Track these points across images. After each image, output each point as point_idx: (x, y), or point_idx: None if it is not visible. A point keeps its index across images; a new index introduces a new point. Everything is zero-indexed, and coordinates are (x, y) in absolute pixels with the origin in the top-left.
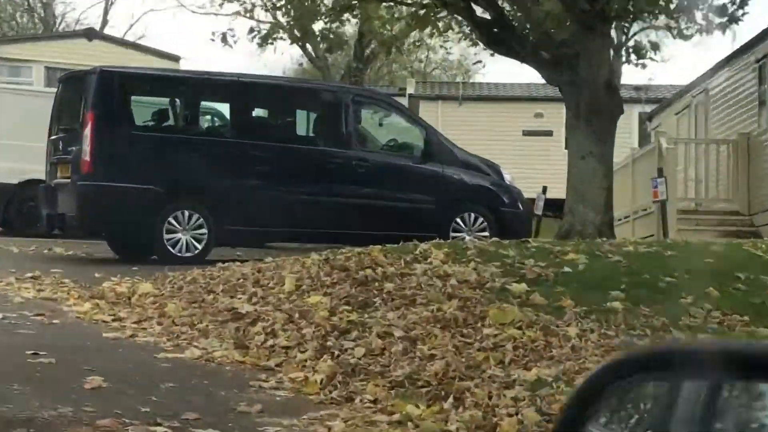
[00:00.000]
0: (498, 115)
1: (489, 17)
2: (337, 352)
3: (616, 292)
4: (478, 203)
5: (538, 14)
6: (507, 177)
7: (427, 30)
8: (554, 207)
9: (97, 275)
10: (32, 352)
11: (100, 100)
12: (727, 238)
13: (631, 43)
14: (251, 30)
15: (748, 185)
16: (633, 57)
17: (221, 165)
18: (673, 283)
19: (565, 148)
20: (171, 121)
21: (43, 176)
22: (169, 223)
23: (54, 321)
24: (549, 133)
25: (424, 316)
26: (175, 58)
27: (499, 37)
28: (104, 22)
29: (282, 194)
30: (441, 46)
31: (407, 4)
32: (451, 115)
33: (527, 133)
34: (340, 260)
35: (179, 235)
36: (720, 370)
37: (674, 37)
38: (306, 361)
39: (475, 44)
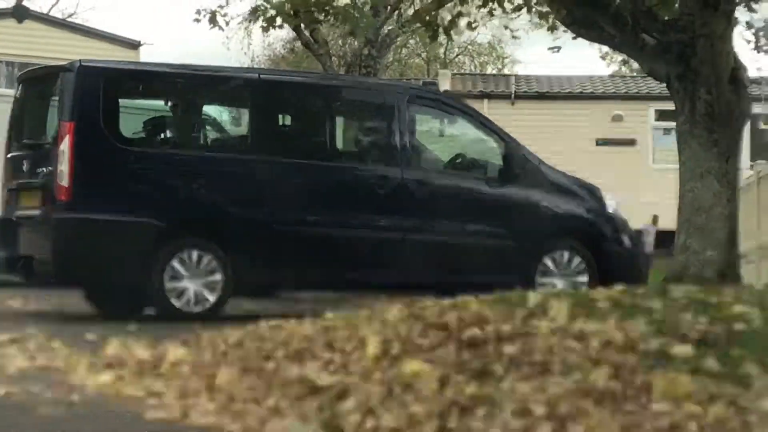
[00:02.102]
0: (563, 118)
1: None
2: None
3: None
4: (573, 238)
5: None
6: (610, 203)
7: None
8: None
9: (89, 337)
10: None
11: (80, 105)
12: None
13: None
14: (255, 10)
15: None
16: (764, 42)
17: (240, 190)
18: None
19: (653, 163)
20: (173, 133)
21: None
22: (173, 267)
23: (72, 397)
24: (631, 143)
25: (567, 389)
26: (134, 45)
27: (587, 16)
28: None
29: (318, 228)
30: (470, 24)
31: None
32: (500, 119)
33: (602, 143)
34: (431, 316)
35: (185, 283)
36: None
37: None
38: None
39: (552, 28)
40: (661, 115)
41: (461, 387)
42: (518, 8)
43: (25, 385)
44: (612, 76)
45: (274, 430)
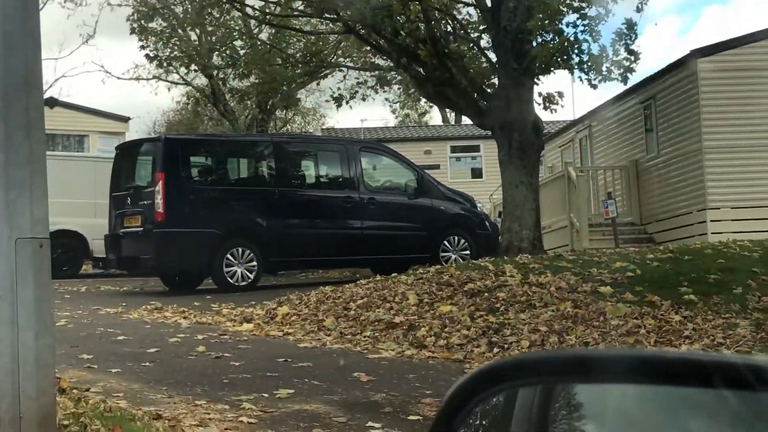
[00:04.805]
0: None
1: (425, 75)
2: (506, 345)
3: (683, 288)
4: (460, 228)
5: (473, 74)
6: (479, 205)
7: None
8: None
9: (196, 304)
10: (283, 359)
11: (166, 161)
12: (627, 244)
13: (543, 91)
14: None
15: (639, 201)
16: (547, 103)
17: (265, 210)
18: (717, 279)
19: (450, 179)
20: (222, 176)
21: (68, 227)
22: (227, 258)
23: (242, 338)
24: (437, 167)
25: (551, 315)
26: (125, 119)
27: (442, 93)
28: None
29: (312, 230)
30: (364, 97)
31: (366, 69)
32: None
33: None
34: (433, 278)
35: (235, 267)
36: (552, 374)
37: (590, 86)
38: (484, 353)
39: (416, 100)
40: (453, 149)
41: (485, 318)
42: (405, 90)
43: (204, 334)
44: (423, 125)
45: (381, 348)
